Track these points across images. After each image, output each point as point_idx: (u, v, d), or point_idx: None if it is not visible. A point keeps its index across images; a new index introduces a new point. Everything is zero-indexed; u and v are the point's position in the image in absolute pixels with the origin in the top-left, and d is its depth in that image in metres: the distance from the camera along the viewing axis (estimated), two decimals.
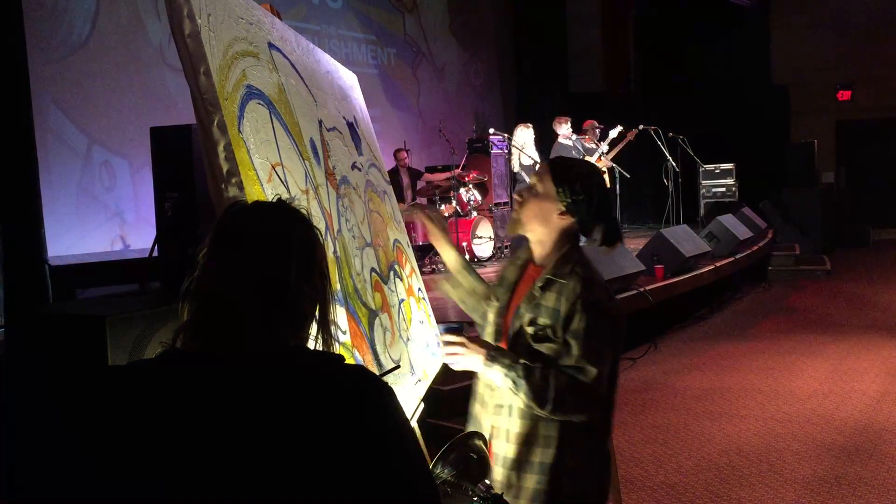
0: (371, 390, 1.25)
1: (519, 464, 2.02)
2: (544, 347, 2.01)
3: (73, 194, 7.55)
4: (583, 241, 2.16)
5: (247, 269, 1.26)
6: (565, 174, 2.08)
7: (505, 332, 2.15)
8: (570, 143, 9.03)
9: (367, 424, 1.20)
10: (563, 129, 8.99)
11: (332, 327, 1.36)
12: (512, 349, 2.07)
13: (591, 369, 1.94)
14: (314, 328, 1.32)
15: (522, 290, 2.15)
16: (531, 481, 2.00)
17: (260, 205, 1.40)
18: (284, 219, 1.32)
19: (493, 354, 2.00)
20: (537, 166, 7.89)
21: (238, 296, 1.24)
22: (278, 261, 1.26)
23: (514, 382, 1.95)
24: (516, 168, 8.18)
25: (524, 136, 8.10)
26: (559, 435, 1.99)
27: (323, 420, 1.18)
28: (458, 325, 2.21)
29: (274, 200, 1.38)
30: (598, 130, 9.69)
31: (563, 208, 2.06)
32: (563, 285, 2.02)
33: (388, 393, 1.27)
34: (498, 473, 2.05)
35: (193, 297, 1.27)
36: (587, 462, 2.03)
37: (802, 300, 9.63)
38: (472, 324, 2.26)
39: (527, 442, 2.01)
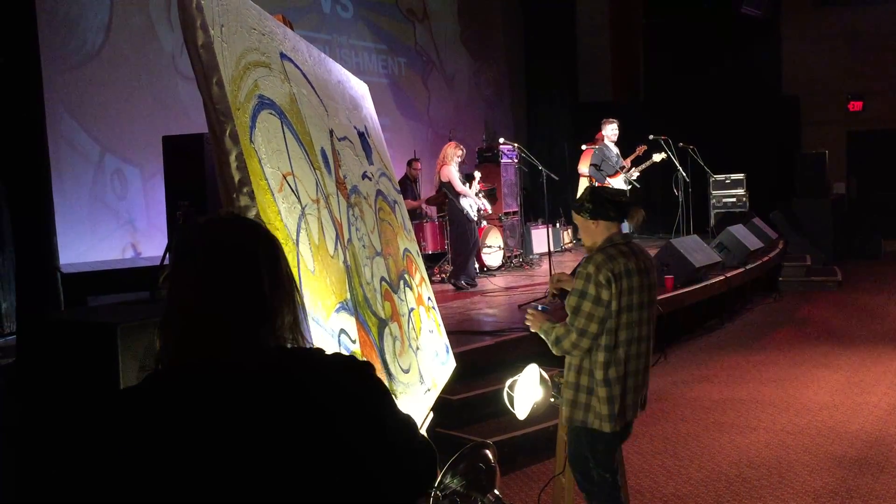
0: (356, 379, 1.32)
1: (564, 382, 3.19)
2: (567, 308, 3.09)
3: (85, 202, 7.60)
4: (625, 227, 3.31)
5: (221, 284, 1.28)
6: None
7: None
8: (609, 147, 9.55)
9: (358, 413, 1.27)
10: (608, 132, 9.52)
11: (304, 327, 1.41)
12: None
13: (571, 317, 3.04)
14: (287, 331, 1.35)
15: None
16: (568, 393, 3.15)
17: (216, 221, 1.39)
18: (246, 232, 1.35)
19: (543, 325, 3.16)
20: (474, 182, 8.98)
21: (218, 311, 1.27)
22: (249, 273, 1.30)
23: (545, 337, 3.16)
24: (445, 178, 8.57)
25: (453, 153, 8.63)
26: (578, 364, 3.11)
27: (315, 416, 1.23)
28: (544, 308, 3.24)
29: (227, 216, 1.41)
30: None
31: (588, 217, 3.16)
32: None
33: (371, 377, 1.33)
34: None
35: (170, 319, 1.29)
36: (595, 383, 3.07)
37: (813, 311, 9.58)
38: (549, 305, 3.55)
39: (567, 368, 3.17)
